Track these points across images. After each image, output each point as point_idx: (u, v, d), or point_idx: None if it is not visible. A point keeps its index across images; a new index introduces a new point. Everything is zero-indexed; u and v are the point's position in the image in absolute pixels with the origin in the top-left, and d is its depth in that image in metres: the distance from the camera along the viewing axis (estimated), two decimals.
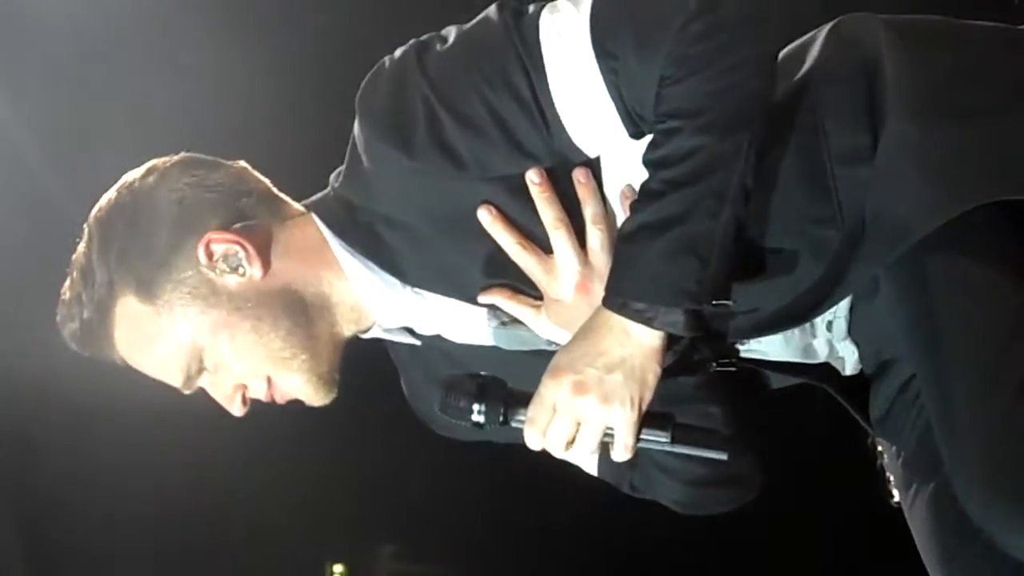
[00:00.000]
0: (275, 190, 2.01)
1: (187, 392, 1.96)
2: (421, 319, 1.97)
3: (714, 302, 1.72)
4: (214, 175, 1.94)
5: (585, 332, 1.74)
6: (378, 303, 1.94)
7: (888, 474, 2.08)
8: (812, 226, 1.80)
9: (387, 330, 1.99)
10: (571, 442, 1.76)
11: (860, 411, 2.00)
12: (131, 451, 4.25)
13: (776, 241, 1.81)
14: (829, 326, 1.93)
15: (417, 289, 1.92)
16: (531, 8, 1.82)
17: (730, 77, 1.69)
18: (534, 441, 1.77)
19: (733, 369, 1.91)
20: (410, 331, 2.01)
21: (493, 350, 1.98)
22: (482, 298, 1.90)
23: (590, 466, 2.01)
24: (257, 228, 1.92)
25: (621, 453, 1.76)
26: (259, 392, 1.94)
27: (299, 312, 1.91)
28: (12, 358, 4.05)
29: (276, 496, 4.66)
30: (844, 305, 1.90)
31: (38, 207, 3.96)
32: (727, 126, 1.69)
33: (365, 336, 2.00)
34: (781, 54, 1.88)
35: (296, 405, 1.99)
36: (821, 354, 1.96)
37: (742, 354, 1.95)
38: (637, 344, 1.72)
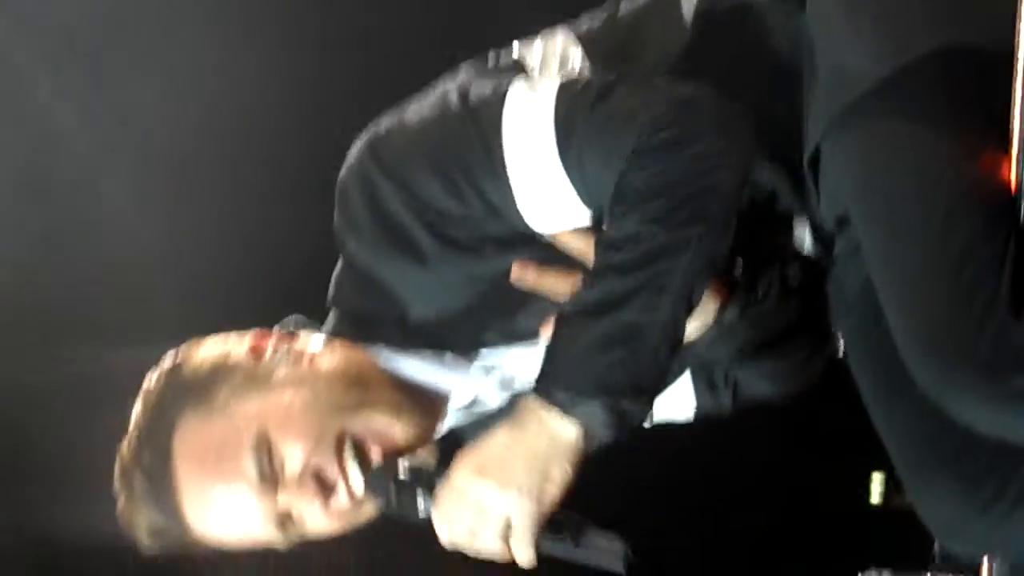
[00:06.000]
0: None
1: (275, 517, 1.75)
2: (490, 389, 1.87)
3: (637, 403, 1.63)
4: None
5: (512, 419, 1.65)
6: (452, 389, 1.82)
7: None
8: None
9: (458, 409, 1.87)
10: (475, 535, 1.65)
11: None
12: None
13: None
14: None
15: (484, 356, 1.83)
16: (492, 89, 1.74)
17: (688, 169, 1.63)
18: (442, 531, 1.68)
19: None
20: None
21: None
22: (516, 279, 1.76)
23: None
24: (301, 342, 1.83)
25: (519, 551, 1.65)
26: (332, 467, 1.73)
27: (365, 384, 1.77)
28: (13, 358, 4.04)
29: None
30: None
31: (37, 208, 3.96)
32: (677, 218, 1.62)
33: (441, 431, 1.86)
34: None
35: None
36: None
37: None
38: (551, 434, 1.63)
